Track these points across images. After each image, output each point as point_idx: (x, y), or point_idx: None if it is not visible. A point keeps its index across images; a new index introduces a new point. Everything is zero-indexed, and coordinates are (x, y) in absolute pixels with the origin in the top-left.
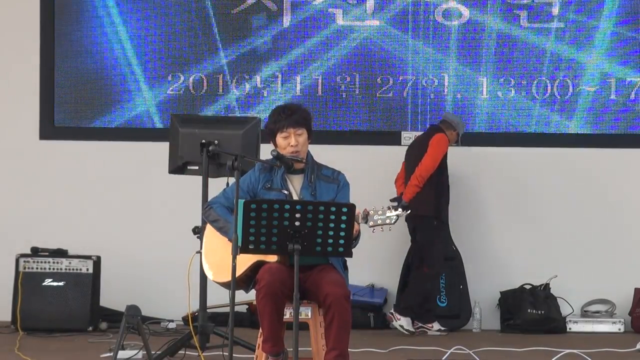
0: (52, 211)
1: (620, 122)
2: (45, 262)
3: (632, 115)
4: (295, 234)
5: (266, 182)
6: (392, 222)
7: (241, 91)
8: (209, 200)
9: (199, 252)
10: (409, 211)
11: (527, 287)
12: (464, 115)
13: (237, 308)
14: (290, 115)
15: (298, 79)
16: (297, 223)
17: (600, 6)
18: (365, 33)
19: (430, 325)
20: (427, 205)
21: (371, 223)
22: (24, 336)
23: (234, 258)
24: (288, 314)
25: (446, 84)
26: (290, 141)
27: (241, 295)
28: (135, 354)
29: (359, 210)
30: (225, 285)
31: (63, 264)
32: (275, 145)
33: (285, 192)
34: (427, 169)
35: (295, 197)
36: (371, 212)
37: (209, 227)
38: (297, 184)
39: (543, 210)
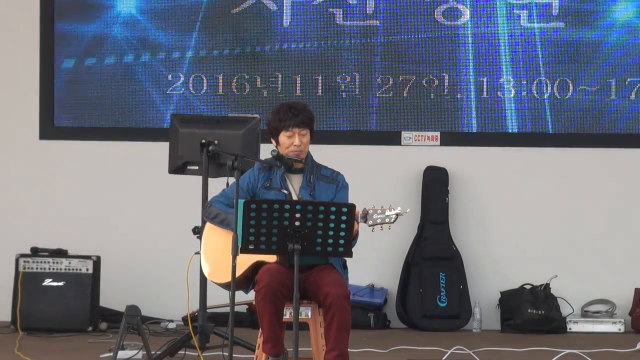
0: (52, 211)
1: (621, 122)
2: (45, 262)
3: (633, 115)
4: (295, 234)
5: (265, 181)
6: (392, 221)
7: (241, 91)
8: (208, 199)
9: (198, 254)
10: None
11: (527, 287)
12: (464, 115)
13: (237, 308)
14: (296, 115)
15: (298, 79)
16: (297, 223)
17: (602, 6)
18: (365, 33)
19: None
20: None
21: (370, 222)
22: (24, 336)
23: (234, 258)
24: (288, 314)
25: (446, 84)
26: (294, 140)
27: (241, 296)
28: (135, 354)
29: (358, 210)
30: (224, 285)
31: (63, 264)
32: (277, 143)
33: (285, 191)
34: None
35: (294, 197)
36: (370, 211)
37: (207, 227)
38: (296, 184)
39: (543, 210)
